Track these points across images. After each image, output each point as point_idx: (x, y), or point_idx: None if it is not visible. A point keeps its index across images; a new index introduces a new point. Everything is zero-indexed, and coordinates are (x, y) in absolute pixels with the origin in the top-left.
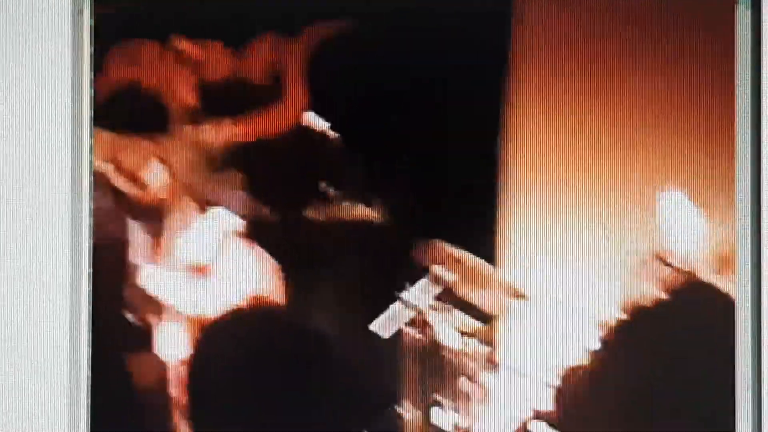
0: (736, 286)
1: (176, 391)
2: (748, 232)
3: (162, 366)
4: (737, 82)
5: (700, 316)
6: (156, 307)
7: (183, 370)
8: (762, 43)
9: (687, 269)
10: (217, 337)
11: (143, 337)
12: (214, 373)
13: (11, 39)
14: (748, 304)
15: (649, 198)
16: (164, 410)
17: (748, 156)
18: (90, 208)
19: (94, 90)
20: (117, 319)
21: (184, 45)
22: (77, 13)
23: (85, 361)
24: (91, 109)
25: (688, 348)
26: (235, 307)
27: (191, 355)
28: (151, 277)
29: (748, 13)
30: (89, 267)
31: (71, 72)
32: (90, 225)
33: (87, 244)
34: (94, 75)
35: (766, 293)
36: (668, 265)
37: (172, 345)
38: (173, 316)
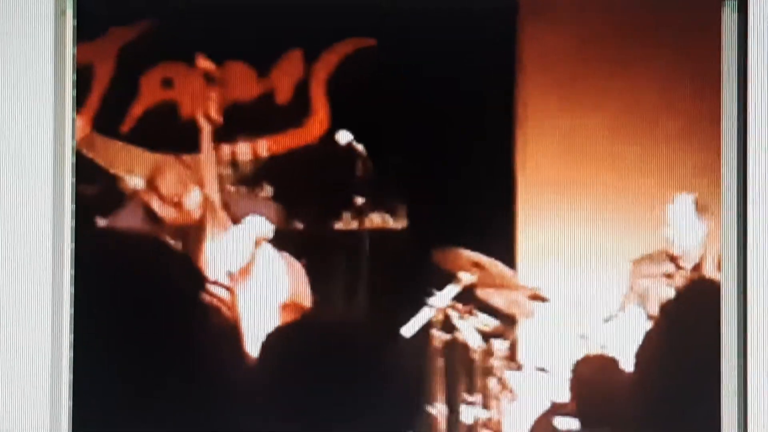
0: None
1: None
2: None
3: None
4: (723, 83)
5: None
6: None
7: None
8: (749, 45)
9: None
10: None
11: None
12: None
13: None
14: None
15: (658, 203)
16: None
17: (735, 155)
18: (72, 210)
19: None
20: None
21: (212, 66)
22: (60, 13)
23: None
24: (73, 110)
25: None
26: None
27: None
28: None
29: (735, 15)
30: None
31: (53, 72)
32: (72, 228)
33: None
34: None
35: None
36: (678, 265)
37: None
38: None
